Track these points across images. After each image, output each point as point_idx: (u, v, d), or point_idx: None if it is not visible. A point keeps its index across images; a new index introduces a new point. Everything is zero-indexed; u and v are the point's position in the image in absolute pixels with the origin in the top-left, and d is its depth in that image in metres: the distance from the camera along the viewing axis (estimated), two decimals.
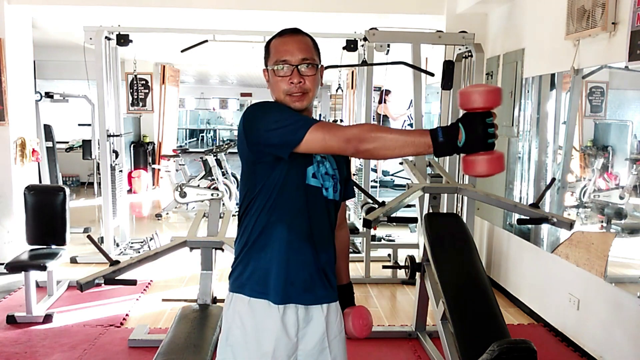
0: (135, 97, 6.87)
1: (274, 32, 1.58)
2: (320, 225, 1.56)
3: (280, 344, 1.50)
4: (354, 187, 2.05)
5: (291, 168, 1.49)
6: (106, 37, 4.94)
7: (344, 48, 5.19)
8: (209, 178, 7.55)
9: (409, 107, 8.30)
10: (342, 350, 1.62)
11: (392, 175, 8.44)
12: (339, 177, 1.60)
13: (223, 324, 1.58)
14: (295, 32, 1.53)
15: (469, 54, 4.32)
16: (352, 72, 8.08)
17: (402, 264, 4.47)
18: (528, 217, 2.87)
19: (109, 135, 5.10)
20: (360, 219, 5.24)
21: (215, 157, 7.31)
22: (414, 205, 3.88)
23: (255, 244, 1.53)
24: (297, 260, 1.52)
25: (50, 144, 6.48)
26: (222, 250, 3.17)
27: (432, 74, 4.22)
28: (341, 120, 8.70)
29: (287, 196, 1.50)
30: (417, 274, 3.33)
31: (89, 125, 6.45)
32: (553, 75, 3.63)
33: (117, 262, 2.69)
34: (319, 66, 1.53)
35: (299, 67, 1.48)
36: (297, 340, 1.53)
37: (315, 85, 1.51)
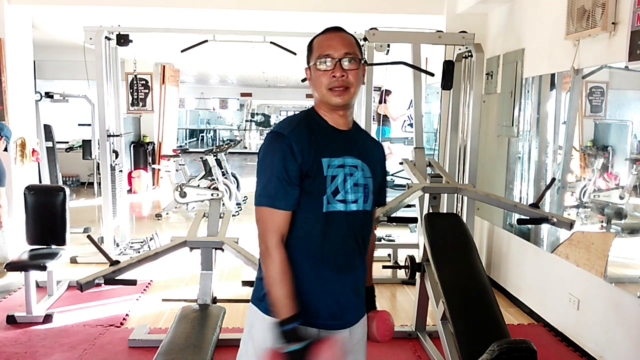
0: (135, 97, 6.86)
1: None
2: (345, 247, 1.50)
3: None
4: None
5: (305, 197, 1.46)
6: (106, 37, 4.93)
7: None
8: (209, 178, 7.55)
9: (409, 107, 8.30)
10: (363, 353, 1.62)
11: (392, 175, 8.43)
12: (373, 185, 1.55)
13: (247, 316, 1.58)
14: (338, 29, 1.53)
15: (469, 54, 4.32)
16: None
17: (402, 264, 4.47)
18: (528, 217, 2.87)
19: (109, 135, 5.10)
20: None
21: (215, 157, 7.31)
22: (414, 205, 3.87)
23: None
24: (320, 289, 1.48)
25: (50, 144, 6.49)
26: (222, 250, 3.17)
27: (432, 74, 4.22)
28: None
29: (302, 225, 1.46)
30: (417, 274, 3.32)
31: (89, 125, 6.45)
32: (553, 75, 3.63)
33: (117, 262, 2.70)
34: (362, 62, 1.50)
35: (341, 60, 1.46)
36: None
37: (358, 80, 1.49)
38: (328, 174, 1.46)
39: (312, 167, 1.44)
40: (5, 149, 4.24)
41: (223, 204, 6.62)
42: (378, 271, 4.59)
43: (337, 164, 1.47)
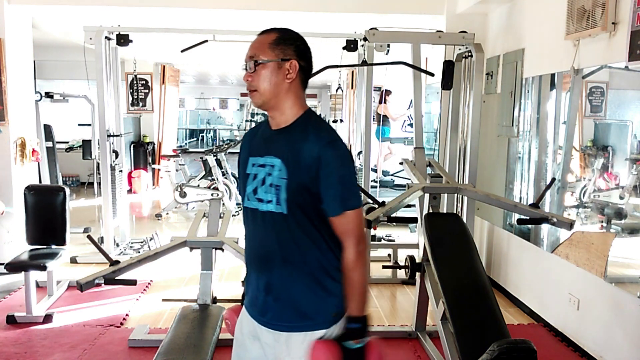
0: (135, 97, 6.86)
1: None
2: (264, 245, 1.55)
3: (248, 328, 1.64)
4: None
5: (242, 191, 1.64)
6: (106, 37, 4.93)
7: (344, 48, 5.19)
8: (209, 178, 7.54)
9: (409, 107, 8.30)
10: None
11: (392, 175, 8.44)
12: (288, 186, 1.46)
13: None
14: (262, 32, 1.55)
15: (469, 54, 4.32)
16: (352, 72, 8.07)
17: (402, 264, 4.48)
18: (528, 217, 2.87)
19: (109, 135, 5.10)
20: None
21: (215, 157, 7.30)
22: (414, 205, 3.87)
23: None
24: (249, 279, 1.64)
25: (50, 144, 6.48)
26: (222, 250, 3.17)
27: (432, 74, 4.21)
28: (341, 121, 8.69)
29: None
30: (417, 274, 3.32)
31: (89, 125, 6.45)
32: (553, 75, 3.63)
33: (117, 262, 2.69)
34: (273, 62, 1.47)
35: (247, 65, 1.52)
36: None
37: (263, 82, 1.48)
38: (251, 172, 1.56)
39: (243, 164, 1.61)
40: None
41: (223, 204, 6.62)
42: (378, 271, 4.59)
43: (259, 163, 1.55)
